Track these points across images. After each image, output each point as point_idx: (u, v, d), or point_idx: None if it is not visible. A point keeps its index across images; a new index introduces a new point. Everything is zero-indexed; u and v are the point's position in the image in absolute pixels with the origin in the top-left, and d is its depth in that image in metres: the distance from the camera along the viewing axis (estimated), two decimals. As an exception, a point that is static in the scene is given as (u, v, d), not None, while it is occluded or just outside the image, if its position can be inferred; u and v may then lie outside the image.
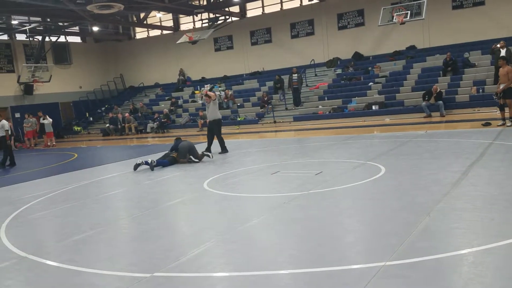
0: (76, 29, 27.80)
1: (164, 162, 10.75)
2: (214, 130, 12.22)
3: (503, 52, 16.49)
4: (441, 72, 18.73)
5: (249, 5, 25.90)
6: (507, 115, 12.11)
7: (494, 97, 12.80)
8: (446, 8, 20.72)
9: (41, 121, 21.16)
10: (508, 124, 11.87)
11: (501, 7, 19.47)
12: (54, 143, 21.04)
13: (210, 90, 25.23)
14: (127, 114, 24.74)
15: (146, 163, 10.51)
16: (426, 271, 3.66)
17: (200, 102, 12.49)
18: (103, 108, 29.24)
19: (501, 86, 12.18)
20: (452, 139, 10.65)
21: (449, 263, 3.80)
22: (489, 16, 19.75)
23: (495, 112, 13.97)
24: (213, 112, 12.20)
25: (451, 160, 8.08)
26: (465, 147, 9.32)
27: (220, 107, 23.33)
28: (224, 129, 18.64)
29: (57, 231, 6.13)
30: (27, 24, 24.25)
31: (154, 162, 10.53)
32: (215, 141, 12.13)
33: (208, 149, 11.97)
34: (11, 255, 5.06)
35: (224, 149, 12.14)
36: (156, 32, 29.59)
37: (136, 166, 10.55)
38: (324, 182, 7.28)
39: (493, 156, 8.19)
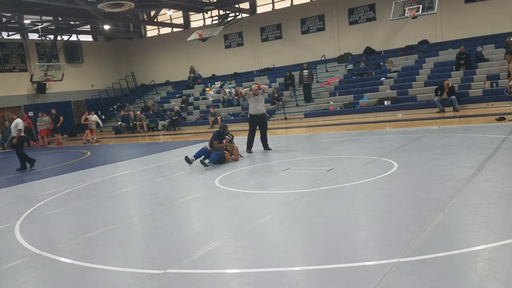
0: (87, 27, 27.99)
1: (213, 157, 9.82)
2: (263, 124, 11.49)
3: (517, 46, 16.25)
4: (454, 66, 18.51)
5: (259, 1, 25.85)
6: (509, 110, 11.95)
7: (506, 92, 12.56)
8: (458, 2, 20.44)
9: (89, 117, 21.60)
10: None
11: (515, 0, 19.17)
12: (95, 138, 21.33)
13: (221, 87, 25.32)
14: (138, 112, 24.88)
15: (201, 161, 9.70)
16: (440, 267, 3.62)
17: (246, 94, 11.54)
18: (115, 106, 29.46)
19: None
20: (466, 134, 10.52)
21: (464, 259, 3.76)
22: (502, 9, 19.44)
23: (509, 107, 13.75)
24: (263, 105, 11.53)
25: (465, 156, 7.99)
26: (479, 142, 9.20)
27: (231, 104, 23.49)
28: (235, 126, 18.66)
29: (70, 229, 6.19)
30: (39, 24, 24.48)
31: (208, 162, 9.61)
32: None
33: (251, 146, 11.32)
34: (25, 252, 5.12)
35: (266, 146, 11.53)
36: (167, 30, 29.68)
37: (188, 160, 9.75)
38: (336, 179, 7.24)
39: (508, 151, 8.07)
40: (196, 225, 5.84)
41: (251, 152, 11.24)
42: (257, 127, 11.48)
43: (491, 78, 16.97)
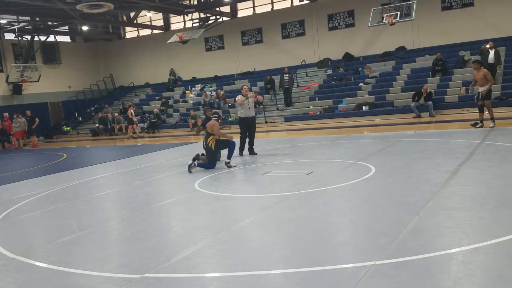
0: (65, 28, 27.60)
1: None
2: (253, 127, 11.33)
3: (491, 53, 16.66)
4: (430, 72, 18.87)
5: (240, 5, 25.89)
6: (486, 116, 12.24)
7: (476, 100, 12.73)
8: (435, 9, 20.89)
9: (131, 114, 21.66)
10: (491, 125, 11.98)
11: (490, 8, 19.69)
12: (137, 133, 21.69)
13: (201, 90, 25.23)
14: (116, 114, 24.57)
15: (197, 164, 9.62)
16: (416, 270, 3.68)
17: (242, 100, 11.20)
18: (92, 108, 29.07)
19: (480, 89, 12.25)
20: (441, 139, 10.73)
21: (439, 262, 3.83)
22: (478, 17, 19.95)
23: (483, 113, 14.06)
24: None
25: (440, 160, 8.14)
26: (454, 147, 9.40)
27: (212, 107, 23.41)
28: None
29: (46, 232, 6.08)
30: (16, 23, 24.02)
31: (195, 164, 9.62)
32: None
33: (243, 148, 11.22)
34: (-1, 257, 5.01)
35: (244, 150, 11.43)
36: (147, 32, 29.46)
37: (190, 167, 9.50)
38: (315, 182, 7.29)
39: (482, 156, 8.26)
40: (175, 229, 5.80)
41: (242, 155, 11.18)
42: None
43: (466, 84, 17.26)
